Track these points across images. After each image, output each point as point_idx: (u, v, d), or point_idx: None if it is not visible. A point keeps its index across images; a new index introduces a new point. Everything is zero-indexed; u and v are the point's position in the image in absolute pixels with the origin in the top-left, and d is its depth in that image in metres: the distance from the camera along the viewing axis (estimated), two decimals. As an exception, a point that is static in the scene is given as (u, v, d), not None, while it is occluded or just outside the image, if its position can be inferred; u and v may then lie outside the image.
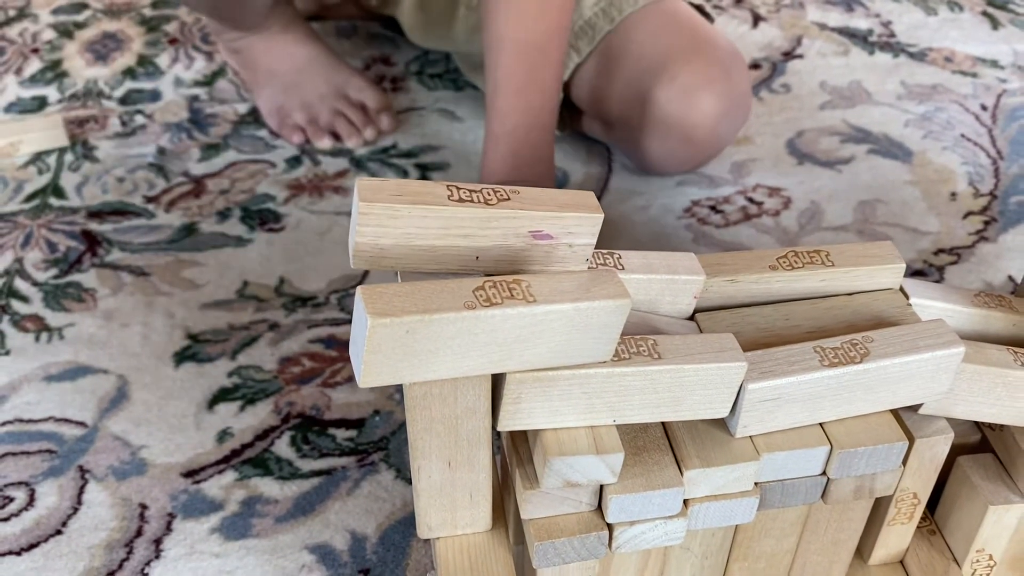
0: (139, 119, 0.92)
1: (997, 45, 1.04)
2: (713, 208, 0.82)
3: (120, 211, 0.81)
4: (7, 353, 0.68)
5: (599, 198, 0.82)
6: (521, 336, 0.35)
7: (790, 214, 0.81)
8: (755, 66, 1.01)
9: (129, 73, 0.98)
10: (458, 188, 0.38)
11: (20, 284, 0.74)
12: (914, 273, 0.76)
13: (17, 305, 0.72)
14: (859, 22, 1.08)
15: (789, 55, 1.02)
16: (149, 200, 0.82)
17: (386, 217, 0.36)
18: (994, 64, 1.01)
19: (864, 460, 0.41)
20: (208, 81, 0.97)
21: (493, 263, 0.38)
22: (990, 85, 0.98)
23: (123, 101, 0.94)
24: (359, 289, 0.33)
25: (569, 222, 0.38)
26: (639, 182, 0.85)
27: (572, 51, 0.80)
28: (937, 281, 0.76)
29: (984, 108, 0.94)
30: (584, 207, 0.38)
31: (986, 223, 0.81)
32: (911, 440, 0.43)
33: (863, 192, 0.84)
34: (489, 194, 0.38)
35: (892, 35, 1.06)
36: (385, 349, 0.33)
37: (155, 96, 0.95)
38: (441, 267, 0.38)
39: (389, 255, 0.37)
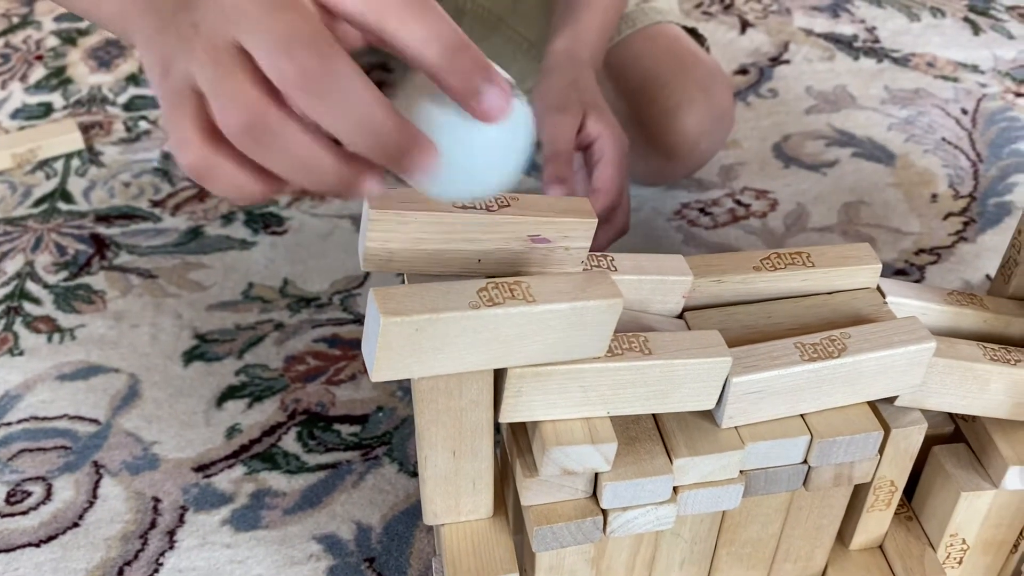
0: (143, 125, 0.94)
1: (978, 50, 1.07)
2: (702, 210, 0.85)
3: (127, 215, 0.83)
4: (21, 353, 0.71)
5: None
6: (521, 333, 0.37)
7: (776, 216, 0.84)
8: (743, 71, 1.03)
9: (132, 79, 1.00)
10: (461, 195, 0.40)
11: (32, 286, 0.76)
12: (896, 272, 0.79)
13: (29, 307, 0.75)
14: (844, 28, 1.11)
15: (776, 60, 1.05)
16: (155, 204, 0.85)
17: (395, 223, 0.39)
18: (975, 69, 1.04)
19: (843, 449, 0.44)
20: (210, 87, 0.99)
21: (494, 265, 0.41)
22: (971, 90, 1.01)
23: (127, 107, 0.97)
24: (372, 290, 0.36)
25: (565, 227, 0.41)
26: (630, 186, 0.87)
27: None
28: (918, 280, 0.79)
29: (965, 112, 0.97)
30: (579, 213, 0.41)
31: (965, 224, 0.84)
32: (887, 430, 0.46)
33: (847, 194, 0.87)
34: (490, 201, 0.40)
35: (876, 41, 1.09)
36: (396, 346, 0.36)
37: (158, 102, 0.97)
38: (446, 270, 0.41)
39: (397, 259, 0.40)
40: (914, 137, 0.94)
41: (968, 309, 0.50)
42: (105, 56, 1.04)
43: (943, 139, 0.94)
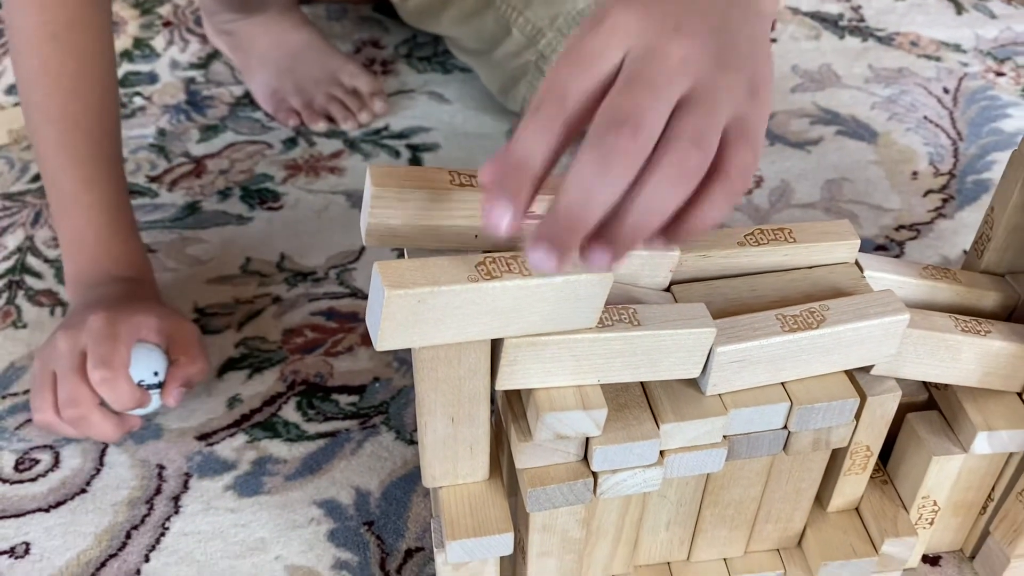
0: (138, 101, 0.95)
1: (960, 29, 1.09)
2: (690, 187, 0.87)
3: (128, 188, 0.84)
4: (24, 326, 0.72)
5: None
6: (517, 306, 0.39)
7: (762, 192, 0.86)
8: (730, 50, 1.05)
9: (126, 55, 1.01)
10: (459, 174, 0.42)
11: (32, 261, 0.78)
12: (876, 248, 0.81)
13: (31, 281, 0.76)
14: (830, 7, 1.12)
15: (763, 39, 1.07)
16: (152, 180, 0.86)
17: (396, 200, 0.40)
18: (957, 48, 1.06)
19: (820, 415, 0.46)
20: (203, 64, 1.00)
21: (492, 241, 0.43)
22: (952, 69, 1.03)
23: (122, 83, 0.97)
24: (376, 264, 0.38)
25: (558, 204, 0.42)
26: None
27: (563, 38, 0.84)
28: (897, 255, 0.81)
29: (946, 91, 0.99)
30: (572, 190, 0.43)
31: (944, 201, 0.86)
32: (863, 397, 0.48)
33: (830, 171, 0.89)
34: (488, 179, 0.42)
35: (862, 19, 1.10)
36: (399, 317, 0.38)
37: (153, 78, 0.98)
38: (444, 244, 0.43)
39: (398, 234, 0.42)
40: (896, 115, 0.96)
41: (942, 283, 0.52)
42: (98, 32, 1.04)
43: (925, 117, 0.96)
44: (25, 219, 0.81)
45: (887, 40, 1.07)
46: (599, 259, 0.35)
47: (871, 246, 0.81)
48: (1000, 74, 1.02)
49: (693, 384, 0.45)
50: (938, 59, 1.04)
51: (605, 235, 0.35)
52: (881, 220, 0.84)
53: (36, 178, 0.86)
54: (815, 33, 1.08)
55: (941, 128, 0.94)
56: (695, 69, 0.34)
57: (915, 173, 0.89)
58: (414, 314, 0.38)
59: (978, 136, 0.93)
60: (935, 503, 0.54)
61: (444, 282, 0.37)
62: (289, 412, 0.66)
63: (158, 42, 1.03)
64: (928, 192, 0.87)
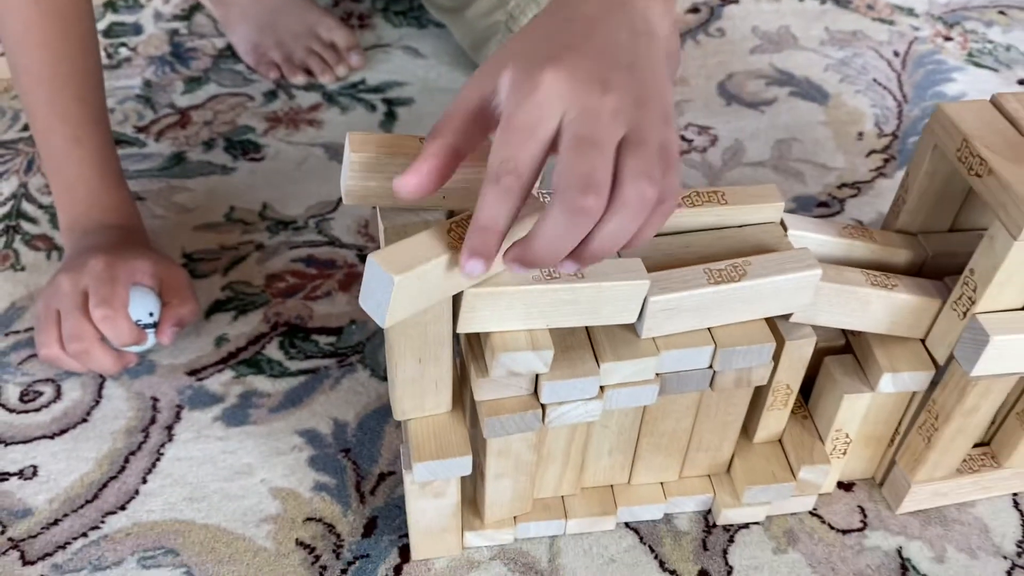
0: (124, 52, 0.99)
1: (915, -7, 1.14)
2: (649, 144, 0.92)
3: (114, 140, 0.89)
4: (23, 269, 0.77)
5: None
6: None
7: (715, 151, 0.92)
8: (694, 10, 1.10)
9: (110, 6, 1.04)
10: (427, 142, 0.47)
11: (27, 207, 0.82)
12: (818, 204, 0.87)
13: (27, 226, 0.81)
14: (792, -31, 1.17)
15: (726, 0, 1.11)
16: (140, 130, 0.90)
17: (372, 165, 0.46)
18: (910, 12, 1.11)
19: (741, 356, 0.53)
20: (187, 15, 1.04)
21: (457, 200, 0.48)
22: (904, 32, 1.08)
23: (107, 34, 1.01)
24: (370, 256, 0.42)
25: (514, 169, 0.48)
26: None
27: (531, 0, 0.88)
28: (838, 212, 0.87)
29: (896, 54, 1.05)
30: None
31: (885, 161, 0.93)
32: (782, 342, 0.55)
33: (781, 131, 0.95)
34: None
35: (821, -18, 1.15)
36: (404, 295, 0.43)
37: (137, 29, 1.02)
38: (414, 204, 0.48)
39: (373, 194, 0.47)
40: (848, 78, 1.01)
41: (859, 241, 0.59)
42: (82, -19, 1.07)
43: (874, 80, 1.01)
44: (19, 166, 0.86)
45: (845, 3, 1.12)
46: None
47: (814, 202, 0.87)
48: (948, 39, 1.08)
49: (630, 328, 0.52)
50: (891, 23, 1.09)
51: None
52: (825, 179, 0.90)
53: (28, 126, 0.90)
54: (776, -5, 1.12)
55: (888, 91, 1.00)
56: (625, 117, 0.40)
57: (860, 134, 0.95)
58: (415, 289, 0.43)
59: (922, 99, 0.99)
60: (847, 436, 0.61)
61: (434, 256, 0.42)
62: (272, 351, 0.72)
63: (141, -8, 1.06)
64: (871, 152, 0.93)
